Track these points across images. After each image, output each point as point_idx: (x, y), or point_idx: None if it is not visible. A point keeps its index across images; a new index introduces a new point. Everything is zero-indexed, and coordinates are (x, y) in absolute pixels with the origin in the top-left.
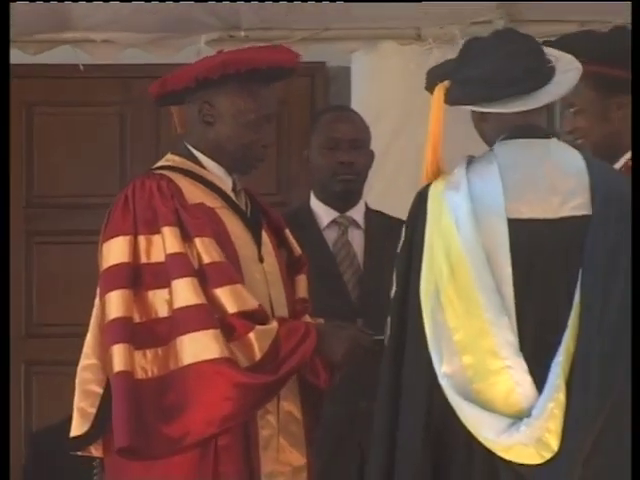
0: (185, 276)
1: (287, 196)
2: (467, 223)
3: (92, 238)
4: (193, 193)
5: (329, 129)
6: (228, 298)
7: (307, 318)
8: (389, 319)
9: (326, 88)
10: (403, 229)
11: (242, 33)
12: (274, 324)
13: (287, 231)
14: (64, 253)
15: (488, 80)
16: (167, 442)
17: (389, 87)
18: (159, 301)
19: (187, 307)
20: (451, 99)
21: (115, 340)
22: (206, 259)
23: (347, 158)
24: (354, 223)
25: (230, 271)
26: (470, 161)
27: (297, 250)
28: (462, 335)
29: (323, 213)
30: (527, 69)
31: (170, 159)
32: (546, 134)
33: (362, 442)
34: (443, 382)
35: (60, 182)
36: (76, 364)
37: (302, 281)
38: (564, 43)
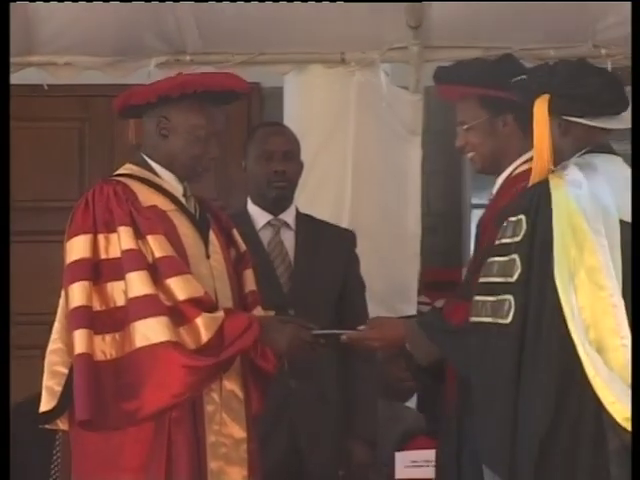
0: (138, 270)
1: (226, 201)
2: (592, 216)
3: (55, 237)
4: (147, 197)
5: (264, 142)
6: (178, 287)
7: (259, 309)
8: (511, 297)
9: (261, 106)
10: (522, 219)
11: (187, 57)
12: (221, 313)
13: (234, 231)
14: (30, 251)
15: (594, 99)
16: (123, 416)
17: (317, 105)
18: (117, 292)
19: (139, 297)
20: (559, 110)
21: (76, 326)
22: (158, 253)
23: (280, 167)
24: (286, 225)
25: (179, 264)
26: (576, 165)
27: (242, 247)
28: (588, 314)
29: (259, 216)
30: (619, 95)
31: (128, 168)
32: (615, 152)
33: (293, 418)
34: (588, 349)
35: (26, 188)
36: (44, 348)
37: (249, 275)
38: (459, 68)
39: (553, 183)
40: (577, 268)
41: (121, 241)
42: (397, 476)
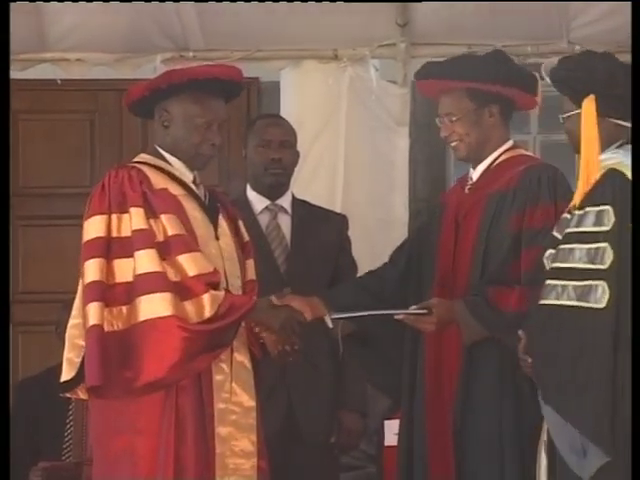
0: (146, 248)
1: (227, 187)
2: None
3: (66, 221)
4: (159, 181)
5: (263, 132)
6: (188, 263)
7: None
8: (604, 283)
9: (259, 99)
10: (609, 209)
11: (191, 54)
12: (222, 292)
13: (240, 222)
14: (43, 234)
15: (624, 97)
16: (124, 384)
17: (311, 98)
18: (124, 268)
19: (146, 273)
20: (604, 112)
21: (90, 299)
22: (170, 231)
23: (277, 155)
24: (282, 209)
25: (190, 242)
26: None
27: (246, 237)
28: None
29: (257, 201)
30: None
31: (142, 157)
32: None
33: (290, 388)
34: None
35: (40, 176)
36: (53, 324)
37: (250, 265)
38: (450, 63)
39: (629, 175)
40: None
41: (132, 221)
42: (386, 443)
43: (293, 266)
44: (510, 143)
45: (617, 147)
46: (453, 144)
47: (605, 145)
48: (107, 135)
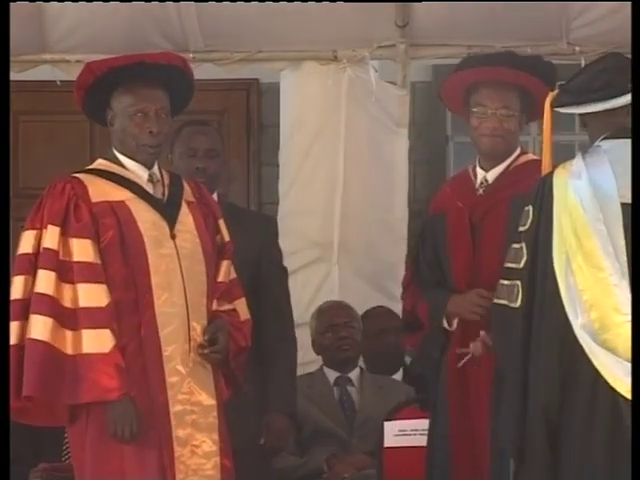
0: (46, 269)
1: (226, 189)
2: (590, 204)
3: None
4: (101, 191)
5: (189, 140)
6: (83, 293)
7: (241, 302)
8: (519, 283)
9: (259, 100)
10: (530, 209)
11: (190, 55)
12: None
13: (221, 221)
14: None
15: (577, 89)
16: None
17: (311, 99)
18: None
19: (38, 293)
20: (554, 104)
21: (13, 318)
22: (76, 257)
23: (201, 165)
24: None
25: (94, 272)
26: (584, 154)
27: (226, 238)
28: (589, 295)
29: None
30: (607, 82)
31: (97, 163)
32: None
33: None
34: (580, 332)
35: (40, 177)
36: None
37: (225, 265)
38: (526, 57)
39: (556, 175)
40: (574, 253)
41: (44, 238)
42: (386, 444)
43: None
44: (519, 148)
45: (600, 141)
46: (490, 138)
47: (594, 140)
48: (107, 136)
